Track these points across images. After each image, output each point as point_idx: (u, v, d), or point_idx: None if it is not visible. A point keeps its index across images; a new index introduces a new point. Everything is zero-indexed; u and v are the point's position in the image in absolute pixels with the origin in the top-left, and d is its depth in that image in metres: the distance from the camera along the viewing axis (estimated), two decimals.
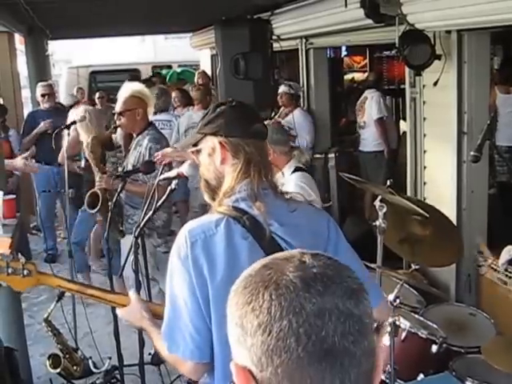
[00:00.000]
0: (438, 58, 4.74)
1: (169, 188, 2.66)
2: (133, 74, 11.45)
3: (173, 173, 2.65)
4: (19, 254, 2.63)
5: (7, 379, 3.49)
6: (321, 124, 7.53)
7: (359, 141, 7.40)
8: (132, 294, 2.22)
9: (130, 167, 4.51)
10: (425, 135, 5.33)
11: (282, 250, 1.88)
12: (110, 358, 4.40)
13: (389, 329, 3.29)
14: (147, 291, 4.10)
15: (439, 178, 5.20)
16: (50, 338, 4.06)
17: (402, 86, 8.70)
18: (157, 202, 2.67)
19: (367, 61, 9.34)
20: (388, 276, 3.88)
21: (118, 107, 4.65)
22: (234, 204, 1.96)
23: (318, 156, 7.12)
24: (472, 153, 3.26)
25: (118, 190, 3.66)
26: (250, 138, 2.01)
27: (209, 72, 10.34)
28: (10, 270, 2.20)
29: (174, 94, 8.09)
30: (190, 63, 12.11)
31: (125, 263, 4.26)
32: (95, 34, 10.33)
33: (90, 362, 4.58)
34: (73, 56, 14.11)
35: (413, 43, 4.75)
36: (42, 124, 6.99)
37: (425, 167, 5.38)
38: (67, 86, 12.06)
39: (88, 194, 4.61)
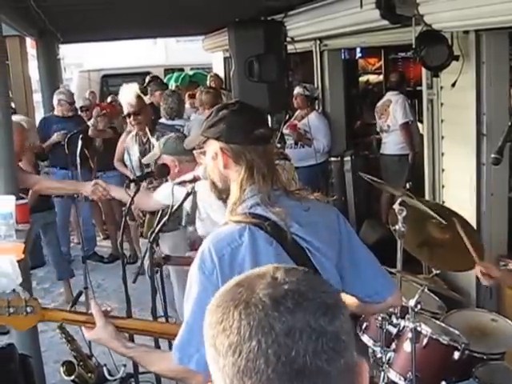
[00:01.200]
0: (456, 58, 4.66)
1: (185, 191, 2.61)
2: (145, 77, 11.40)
3: (189, 176, 2.59)
4: (20, 289, 2.47)
5: None
6: (336, 127, 7.44)
7: (380, 144, 7.28)
8: (99, 320, 2.08)
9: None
10: (442, 137, 5.24)
11: (303, 250, 1.94)
12: (124, 366, 4.32)
13: (410, 335, 3.22)
14: (162, 296, 4.04)
15: (458, 181, 5.11)
16: (64, 345, 4.00)
17: (418, 88, 8.65)
18: (172, 206, 2.62)
19: (382, 62, 9.22)
20: (408, 281, 3.81)
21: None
22: (251, 210, 1.95)
23: (333, 159, 7.05)
24: (493, 155, 3.20)
25: (132, 195, 3.60)
26: (251, 144, 1.99)
27: (221, 74, 10.29)
28: (11, 310, 2.05)
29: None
30: (203, 66, 12.06)
31: (139, 269, 4.21)
32: (107, 37, 10.31)
33: (104, 369, 4.53)
34: (84, 60, 14.11)
35: (430, 44, 4.67)
36: (54, 136, 6.93)
37: (443, 170, 5.29)
38: (78, 90, 12.00)
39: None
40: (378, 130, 7.35)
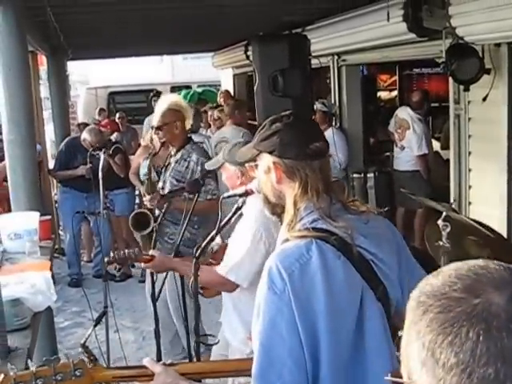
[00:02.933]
0: (488, 72, 4.58)
1: (235, 206, 2.48)
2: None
3: (240, 190, 2.45)
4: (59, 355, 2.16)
5: None
6: (353, 143, 7.36)
7: (392, 160, 7.20)
8: (156, 367, 1.91)
9: (174, 182, 4.37)
10: (470, 153, 5.14)
11: (369, 263, 1.87)
12: None
13: None
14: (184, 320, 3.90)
15: (486, 198, 5.00)
16: None
17: (434, 105, 8.61)
18: (221, 220, 2.48)
19: (397, 78, 9.14)
20: None
21: (155, 121, 4.51)
22: (312, 225, 1.86)
23: (356, 175, 6.95)
24: None
25: (164, 209, 3.48)
26: (306, 159, 1.91)
27: (231, 91, 10.22)
28: (58, 378, 1.81)
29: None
30: (209, 83, 12.00)
31: (161, 288, 4.06)
32: (116, 54, 10.25)
33: None
34: (89, 77, 14.06)
35: (460, 57, 4.59)
36: (81, 168, 6.84)
37: (470, 186, 5.18)
38: (85, 107, 11.98)
39: (134, 213, 4.44)
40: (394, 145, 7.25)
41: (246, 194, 2.43)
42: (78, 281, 7.19)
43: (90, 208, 6.42)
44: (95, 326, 4.15)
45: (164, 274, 4.06)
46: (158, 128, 4.48)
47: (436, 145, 7.83)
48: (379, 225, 2.01)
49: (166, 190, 4.44)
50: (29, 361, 2.06)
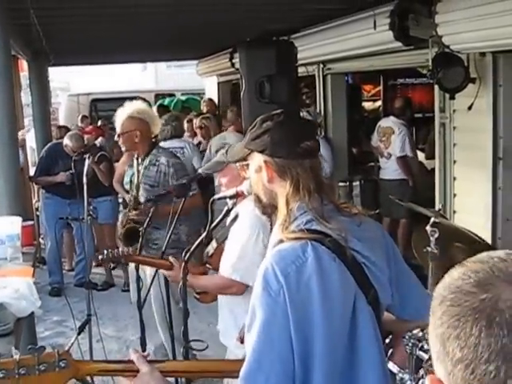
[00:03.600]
0: (473, 81, 4.60)
1: (225, 208, 2.45)
2: None
3: (231, 191, 2.41)
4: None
5: None
6: (338, 152, 7.32)
7: (377, 170, 7.20)
8: (142, 366, 1.85)
9: (147, 188, 4.37)
10: (454, 161, 5.15)
11: (361, 266, 1.84)
12: None
13: None
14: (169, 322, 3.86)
15: (471, 206, 5.01)
16: None
17: (417, 115, 8.65)
18: (211, 222, 2.45)
19: (381, 88, 9.16)
20: None
21: (117, 128, 4.49)
22: (306, 226, 1.83)
23: (341, 184, 6.94)
24: None
25: (150, 214, 3.43)
26: (297, 158, 1.88)
27: (215, 99, 10.19)
28: (42, 368, 1.74)
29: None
30: (193, 91, 11.97)
31: (147, 294, 4.00)
32: (98, 60, 10.18)
33: None
34: (71, 84, 13.95)
35: (446, 66, 4.61)
36: (61, 174, 6.76)
37: (454, 195, 5.19)
38: (67, 114, 11.87)
39: (124, 229, 4.41)
40: (378, 153, 7.25)
41: (237, 195, 2.40)
42: (59, 290, 7.04)
43: (74, 214, 6.31)
44: (79, 333, 4.11)
45: (149, 280, 4.03)
46: (118, 136, 4.47)
47: (421, 155, 7.86)
48: (371, 227, 1.99)
49: (142, 199, 4.42)
50: (12, 348, 2.01)
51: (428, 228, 3.36)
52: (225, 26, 6.62)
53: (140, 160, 4.54)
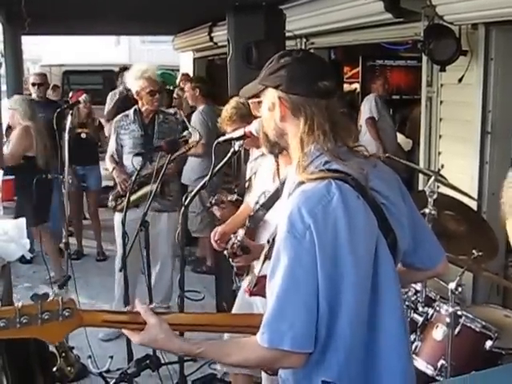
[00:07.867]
0: (464, 53, 4.58)
1: (231, 150, 2.36)
2: (107, 76, 11.17)
3: (238, 132, 2.31)
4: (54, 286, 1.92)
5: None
6: None
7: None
8: (147, 314, 1.76)
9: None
10: (440, 136, 5.13)
11: (379, 205, 1.79)
12: (111, 357, 4.28)
13: (448, 320, 3.05)
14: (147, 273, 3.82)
15: (456, 180, 4.98)
16: None
17: (394, 97, 8.65)
18: (214, 166, 2.35)
19: (360, 69, 9.09)
20: None
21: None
22: (326, 166, 1.76)
23: None
24: None
25: (164, 166, 3.34)
26: (313, 96, 1.81)
27: (191, 74, 10.04)
28: (45, 317, 1.64)
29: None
30: (167, 67, 11.78)
31: (132, 245, 3.83)
32: (74, 31, 9.93)
33: (89, 361, 4.33)
34: (42, 55, 13.64)
35: (438, 38, 4.58)
36: None
37: (439, 169, 5.16)
38: None
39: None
40: None
41: (245, 136, 2.31)
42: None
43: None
44: (61, 287, 4.01)
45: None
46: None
47: (400, 137, 7.87)
48: (386, 170, 1.95)
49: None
50: (14, 295, 1.89)
51: (426, 189, 3.34)
52: None
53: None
